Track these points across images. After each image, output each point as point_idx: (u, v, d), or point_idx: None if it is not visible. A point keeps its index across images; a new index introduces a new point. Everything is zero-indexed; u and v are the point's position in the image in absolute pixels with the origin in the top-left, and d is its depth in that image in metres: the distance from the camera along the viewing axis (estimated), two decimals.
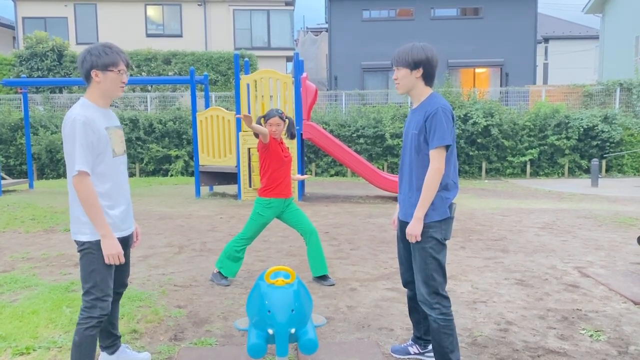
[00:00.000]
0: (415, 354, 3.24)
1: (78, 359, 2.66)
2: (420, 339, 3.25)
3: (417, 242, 2.86)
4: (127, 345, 3.22)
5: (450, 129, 2.79)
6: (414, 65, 2.86)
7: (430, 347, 3.17)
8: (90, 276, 2.66)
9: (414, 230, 2.82)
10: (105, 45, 2.67)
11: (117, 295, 2.98)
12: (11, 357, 3.18)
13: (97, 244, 2.65)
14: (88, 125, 2.56)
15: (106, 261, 2.66)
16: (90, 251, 2.66)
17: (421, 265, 2.87)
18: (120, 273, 2.90)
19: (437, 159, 2.78)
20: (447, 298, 2.89)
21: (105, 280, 2.68)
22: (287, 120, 4.66)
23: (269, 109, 4.78)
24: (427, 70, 2.87)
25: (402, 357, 3.24)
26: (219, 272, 4.70)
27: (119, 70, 2.66)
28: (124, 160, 2.82)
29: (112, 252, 2.64)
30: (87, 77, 2.66)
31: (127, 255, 2.92)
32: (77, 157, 2.55)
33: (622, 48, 21.01)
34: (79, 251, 2.71)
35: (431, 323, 2.88)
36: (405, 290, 3.24)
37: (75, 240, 2.71)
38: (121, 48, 2.72)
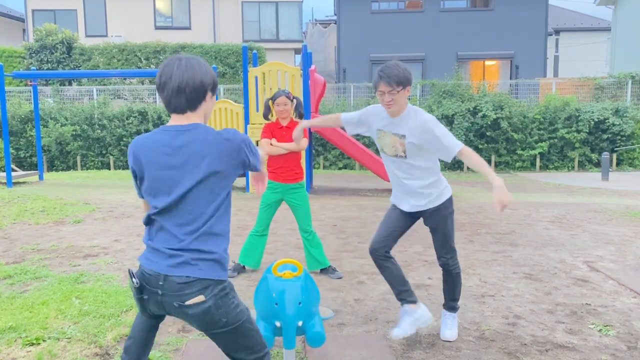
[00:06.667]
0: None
1: None
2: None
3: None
4: None
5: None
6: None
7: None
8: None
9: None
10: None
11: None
12: (21, 347, 3.21)
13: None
14: None
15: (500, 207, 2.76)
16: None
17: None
18: None
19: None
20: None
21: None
22: (294, 100, 4.67)
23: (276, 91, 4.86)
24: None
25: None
26: (235, 262, 4.83)
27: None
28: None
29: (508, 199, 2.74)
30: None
31: None
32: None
33: (634, 40, 20.74)
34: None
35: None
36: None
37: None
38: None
